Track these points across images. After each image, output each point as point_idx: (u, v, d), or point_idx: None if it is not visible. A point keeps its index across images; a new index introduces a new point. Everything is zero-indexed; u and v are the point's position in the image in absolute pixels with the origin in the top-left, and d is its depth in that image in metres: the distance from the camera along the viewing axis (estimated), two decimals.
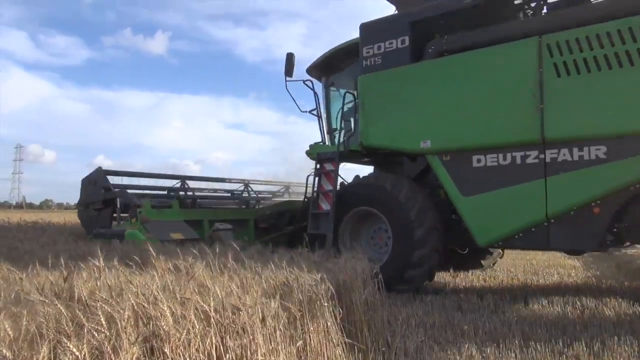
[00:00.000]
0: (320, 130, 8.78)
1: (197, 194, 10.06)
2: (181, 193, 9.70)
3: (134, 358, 1.71)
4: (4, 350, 1.50)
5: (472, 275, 7.86)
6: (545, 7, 7.09)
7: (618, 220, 5.81)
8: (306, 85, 8.72)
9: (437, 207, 6.96)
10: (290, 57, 8.38)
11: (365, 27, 7.72)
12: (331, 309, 3.19)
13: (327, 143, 8.66)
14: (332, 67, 8.86)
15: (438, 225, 6.80)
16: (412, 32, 7.24)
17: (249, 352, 2.29)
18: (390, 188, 7.17)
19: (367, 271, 4.13)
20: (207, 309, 2.16)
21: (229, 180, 11.47)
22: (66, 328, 1.69)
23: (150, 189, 9.91)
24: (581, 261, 10.34)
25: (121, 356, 1.67)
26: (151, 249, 3.17)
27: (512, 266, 9.33)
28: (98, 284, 2.26)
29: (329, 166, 8.12)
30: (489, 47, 6.55)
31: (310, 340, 2.86)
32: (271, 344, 2.50)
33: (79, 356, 1.59)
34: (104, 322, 1.82)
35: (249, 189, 11.51)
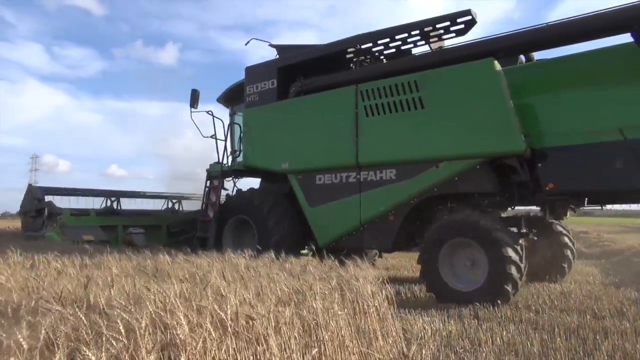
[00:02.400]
0: (217, 152, 10.32)
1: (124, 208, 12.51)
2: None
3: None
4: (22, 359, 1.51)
5: None
6: (366, 60, 9.02)
7: (406, 226, 7.59)
8: (208, 114, 10.35)
9: (296, 216, 8.76)
10: (194, 92, 10.09)
11: (248, 70, 9.72)
12: (345, 317, 3.17)
13: (228, 162, 10.28)
14: (234, 98, 10.55)
15: (292, 230, 8.63)
16: (279, 75, 9.16)
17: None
18: (257, 202, 9.04)
19: (378, 280, 4.11)
20: (223, 317, 2.16)
21: (161, 196, 13.61)
22: (85, 336, 1.70)
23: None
24: (599, 268, 10.18)
25: None
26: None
27: (527, 274, 9.20)
28: (113, 292, 2.27)
29: (216, 182, 10.12)
30: (325, 91, 8.48)
31: (325, 348, 2.84)
32: (286, 352, 2.49)
33: None
34: (122, 330, 1.82)
35: (180, 204, 13.56)
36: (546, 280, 7.97)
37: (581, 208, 8.45)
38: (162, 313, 2.02)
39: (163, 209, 13.34)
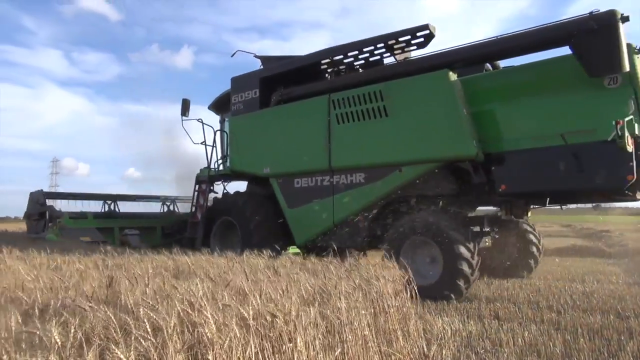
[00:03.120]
0: (207, 157, 10.96)
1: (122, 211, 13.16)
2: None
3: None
4: (52, 357, 1.52)
5: (507, 282, 7.68)
6: (342, 70, 9.54)
7: (375, 226, 8.05)
8: (198, 122, 10.94)
9: (277, 217, 9.33)
10: (185, 102, 10.63)
11: (233, 80, 10.36)
12: (368, 317, 3.16)
13: (219, 167, 10.96)
14: (223, 106, 11.10)
15: (272, 231, 9.21)
16: (261, 85, 9.80)
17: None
18: (241, 204, 9.72)
19: (399, 279, 4.09)
20: (247, 316, 2.17)
21: (156, 198, 14.15)
22: (114, 335, 1.71)
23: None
24: (622, 267, 10.01)
25: None
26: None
27: (548, 273, 9.10)
28: (139, 291, 2.28)
29: (204, 186, 10.87)
30: (302, 100, 9.08)
31: (348, 348, 2.83)
32: (311, 352, 2.48)
33: None
34: (149, 330, 1.83)
35: (175, 205, 14.12)
36: (515, 276, 8.44)
37: (567, 206, 8.96)
38: (189, 311, 2.03)
39: (162, 211, 13.96)
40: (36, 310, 2.05)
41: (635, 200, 7.26)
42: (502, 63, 8.56)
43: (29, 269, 3.65)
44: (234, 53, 10.86)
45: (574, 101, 6.74)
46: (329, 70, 9.63)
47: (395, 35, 8.23)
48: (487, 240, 7.99)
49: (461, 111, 7.19)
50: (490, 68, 8.49)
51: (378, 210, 8.01)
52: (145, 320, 1.86)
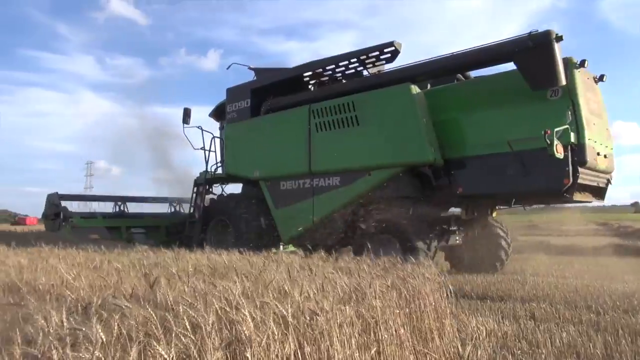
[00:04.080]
0: (205, 162, 11.89)
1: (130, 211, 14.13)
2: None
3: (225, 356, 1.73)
4: (97, 352, 1.56)
5: (542, 282, 7.50)
6: (323, 82, 10.49)
7: (347, 225, 8.89)
8: (198, 129, 11.91)
9: (266, 217, 10.14)
10: (186, 110, 11.64)
11: (228, 91, 11.30)
12: (402, 315, 3.13)
13: (215, 171, 11.84)
14: (221, 114, 11.92)
15: (262, 230, 10.05)
16: (252, 96, 10.71)
17: (326, 358, 2.27)
18: (233, 205, 10.77)
19: (435, 278, 4.03)
20: (285, 314, 2.17)
21: (163, 199, 15.04)
22: (155, 331, 1.74)
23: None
24: None
25: None
26: None
27: (585, 272, 8.85)
28: (178, 289, 2.32)
29: (201, 188, 11.78)
30: (287, 110, 10.02)
31: (384, 347, 2.80)
32: (347, 350, 2.47)
33: (167, 358, 1.62)
34: (188, 327, 1.85)
35: (181, 206, 14.76)
36: (487, 271, 9.00)
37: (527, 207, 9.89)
38: (228, 309, 2.05)
39: (170, 211, 14.82)
40: (79, 308, 2.09)
41: (573, 202, 7.92)
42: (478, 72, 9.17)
43: (69, 268, 3.75)
44: (230, 66, 11.98)
45: (520, 111, 7.52)
46: (311, 82, 10.62)
47: (366, 51, 9.27)
48: (457, 238, 9.06)
49: (421, 121, 8.02)
50: (463, 78, 9.24)
51: (351, 210, 8.85)
52: (185, 318, 1.88)
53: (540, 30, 7.32)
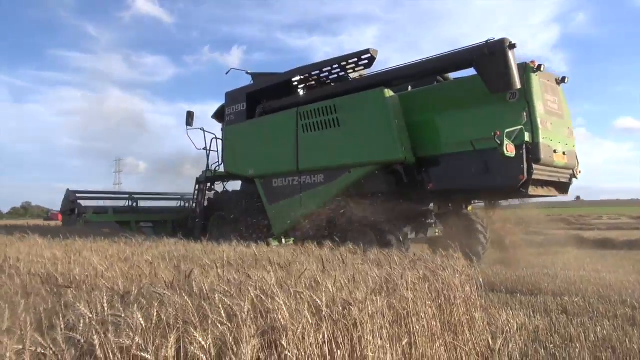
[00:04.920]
0: (207, 161, 12.92)
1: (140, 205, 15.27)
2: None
3: (255, 350, 1.75)
4: (137, 338, 1.58)
5: (574, 276, 7.33)
6: (312, 86, 11.33)
7: (330, 219, 9.37)
8: (201, 130, 12.90)
9: (260, 212, 10.93)
10: (189, 113, 12.64)
11: (227, 95, 12.21)
12: (433, 307, 3.10)
13: (216, 169, 12.84)
14: (222, 116, 12.68)
15: (257, 224, 10.78)
16: (247, 99, 11.63)
17: (359, 348, 2.27)
18: (229, 201, 11.89)
19: (465, 270, 3.97)
20: (320, 304, 2.17)
21: (166, 195, 16.16)
22: (192, 319, 1.76)
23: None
24: None
25: (242, 347, 1.70)
26: None
27: (619, 267, 8.61)
28: (220, 278, 2.34)
29: (202, 186, 12.98)
30: (277, 112, 10.86)
31: (415, 339, 2.78)
32: (379, 341, 2.46)
33: (205, 345, 1.64)
34: (224, 315, 1.87)
35: (183, 201, 15.74)
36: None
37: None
38: (263, 297, 2.06)
39: (179, 206, 15.83)
40: (117, 297, 2.13)
41: (530, 197, 8.58)
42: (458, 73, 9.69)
43: (102, 259, 3.83)
44: (228, 71, 12.90)
45: (482, 113, 8.14)
46: (300, 86, 11.39)
47: (345, 57, 10.16)
48: (437, 230, 9.69)
49: (393, 122, 8.75)
50: (443, 80, 9.86)
51: (334, 205, 9.42)
52: (220, 306, 1.90)
53: (496, 38, 7.97)
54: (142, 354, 1.51)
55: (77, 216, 13.98)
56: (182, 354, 1.63)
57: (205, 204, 12.91)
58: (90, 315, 1.72)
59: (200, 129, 12.87)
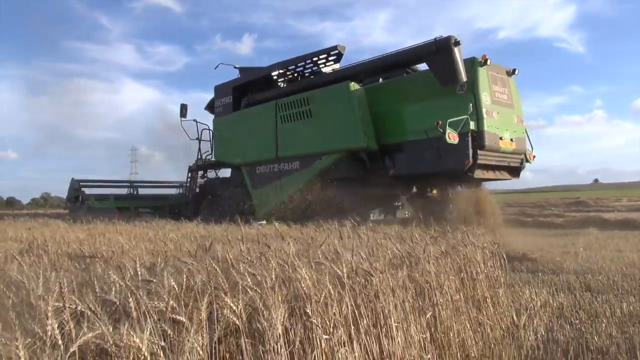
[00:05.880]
0: (199, 150, 14.03)
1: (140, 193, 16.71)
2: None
3: (285, 314, 1.76)
4: (171, 301, 1.60)
5: (596, 256, 7.24)
6: (292, 79, 12.28)
7: (306, 202, 10.00)
8: (194, 122, 13.99)
9: (245, 196, 11.95)
10: (183, 106, 13.74)
11: (215, 88, 13.27)
12: (457, 281, 3.09)
13: (206, 158, 13.96)
14: (213, 108, 13.66)
15: (242, 207, 11.59)
16: (233, 93, 12.68)
17: (382, 318, 2.27)
18: (218, 187, 13.14)
19: (487, 246, 3.95)
20: (340, 274, 2.18)
21: (168, 184, 17.53)
22: (222, 284, 1.78)
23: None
24: None
25: (272, 312, 1.72)
26: None
27: None
28: (242, 250, 2.36)
29: (194, 173, 14.22)
30: (259, 105, 11.82)
31: (439, 312, 2.77)
32: (401, 314, 2.46)
33: (236, 310, 1.66)
34: (250, 283, 1.89)
35: (182, 188, 16.46)
36: None
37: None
38: (286, 266, 2.08)
39: (178, 192, 16.80)
40: (144, 270, 2.15)
41: (477, 180, 9.26)
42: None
43: (127, 240, 3.89)
44: (217, 66, 13.74)
45: (435, 104, 8.95)
46: (280, 80, 12.39)
47: (317, 53, 11.16)
48: (406, 212, 10.52)
49: (357, 112, 9.67)
50: (412, 71, 10.64)
51: (309, 190, 10.10)
52: (246, 274, 1.92)
53: (444, 36, 8.79)
54: (176, 316, 1.54)
55: (81, 203, 15.12)
56: (214, 318, 1.64)
57: (197, 190, 14.15)
58: (122, 283, 1.75)
59: (194, 120, 14.03)
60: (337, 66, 11.48)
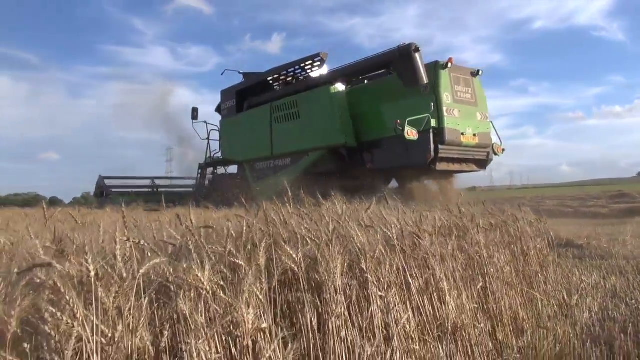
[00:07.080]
0: (208, 149, 15.73)
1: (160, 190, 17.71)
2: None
3: (345, 264, 1.75)
4: (229, 246, 1.61)
5: None
6: (286, 83, 14.02)
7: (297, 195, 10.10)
8: (205, 123, 15.62)
9: (247, 190, 12.31)
10: (194, 109, 15.38)
11: (222, 92, 14.92)
12: (507, 253, 3.00)
13: (214, 156, 15.63)
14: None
15: (245, 201, 11.57)
16: (237, 96, 14.27)
17: (433, 282, 2.23)
18: (223, 182, 14.14)
19: (536, 224, 3.83)
20: (390, 236, 2.15)
21: (189, 178, 18.35)
22: (282, 233, 1.79)
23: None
24: None
25: (331, 263, 1.70)
26: None
27: None
28: (290, 210, 2.36)
29: (204, 171, 15.86)
30: (258, 107, 13.34)
31: (490, 282, 2.70)
32: (452, 283, 2.40)
33: (296, 258, 1.65)
34: (306, 237, 1.88)
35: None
36: None
37: None
38: (340, 222, 2.06)
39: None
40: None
41: (441, 171, 10.12)
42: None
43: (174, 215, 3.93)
44: (223, 72, 15.20)
45: (403, 104, 10.01)
46: (275, 84, 14.04)
47: (302, 60, 12.65)
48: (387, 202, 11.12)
49: (337, 113, 11.01)
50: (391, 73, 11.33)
51: (299, 184, 10.57)
52: (302, 230, 1.91)
53: (407, 43, 9.87)
54: (234, 259, 1.53)
55: (106, 197, 16.41)
56: (273, 267, 1.64)
57: (206, 184, 15.67)
58: (177, 237, 1.77)
59: (204, 122, 15.62)
60: (324, 70, 12.76)
